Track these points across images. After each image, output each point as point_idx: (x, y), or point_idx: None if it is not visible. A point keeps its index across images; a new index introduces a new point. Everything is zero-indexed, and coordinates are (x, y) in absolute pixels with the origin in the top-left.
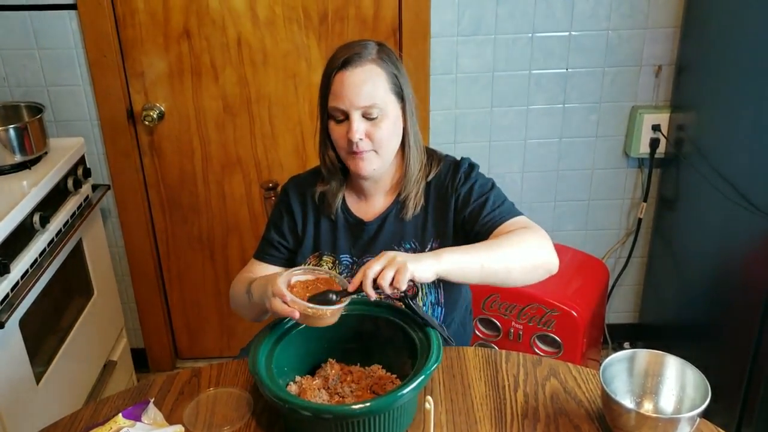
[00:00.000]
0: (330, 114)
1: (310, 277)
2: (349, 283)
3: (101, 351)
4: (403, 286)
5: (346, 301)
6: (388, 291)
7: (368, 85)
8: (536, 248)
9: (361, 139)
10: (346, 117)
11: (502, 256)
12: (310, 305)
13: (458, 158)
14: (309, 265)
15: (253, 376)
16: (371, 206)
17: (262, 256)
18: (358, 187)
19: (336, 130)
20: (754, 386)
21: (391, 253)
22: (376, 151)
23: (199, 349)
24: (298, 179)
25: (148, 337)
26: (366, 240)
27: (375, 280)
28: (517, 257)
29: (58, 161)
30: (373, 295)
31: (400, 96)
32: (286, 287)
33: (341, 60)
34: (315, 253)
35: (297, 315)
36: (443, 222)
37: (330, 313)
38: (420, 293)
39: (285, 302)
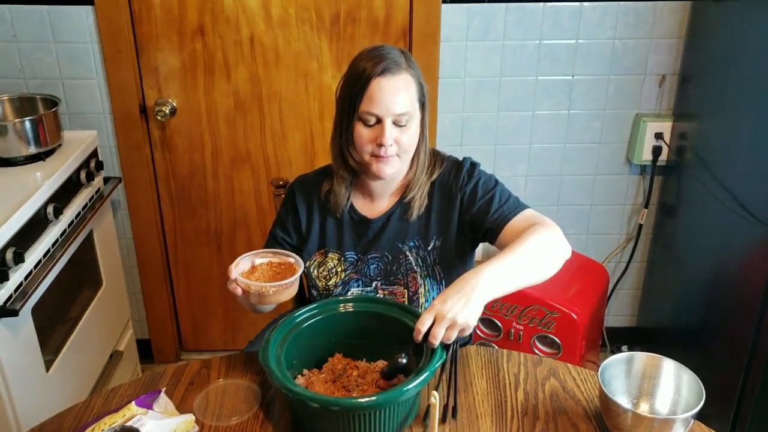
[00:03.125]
0: (360, 117)
1: (274, 259)
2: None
3: (108, 341)
4: (453, 338)
5: (290, 279)
6: (437, 344)
7: (404, 94)
8: (556, 243)
9: (391, 145)
10: (378, 122)
11: (533, 265)
12: (254, 283)
13: (460, 158)
14: (314, 261)
15: (264, 368)
16: (376, 205)
17: None
18: (366, 187)
19: (364, 133)
20: (748, 391)
21: (449, 315)
22: (399, 156)
23: (204, 342)
24: (304, 178)
25: (153, 329)
26: (370, 237)
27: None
28: (543, 260)
29: (71, 154)
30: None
31: (423, 104)
32: (250, 266)
33: (381, 67)
34: (321, 250)
35: (239, 292)
36: (446, 221)
37: (272, 291)
38: (423, 290)
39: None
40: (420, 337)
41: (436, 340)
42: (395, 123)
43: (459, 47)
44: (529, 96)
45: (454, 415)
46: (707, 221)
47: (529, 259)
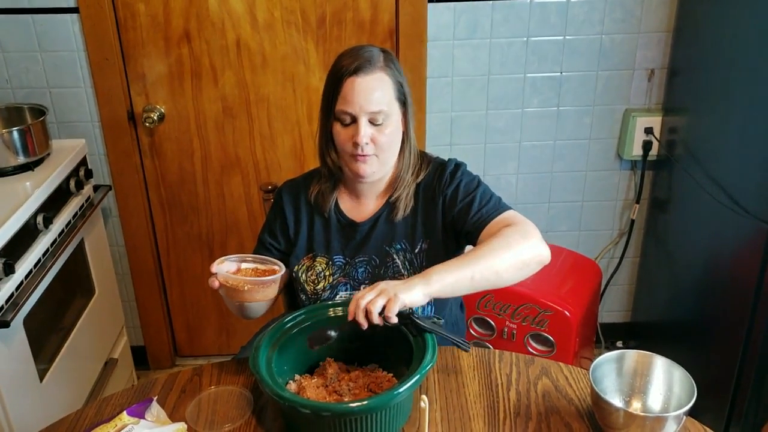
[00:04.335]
0: (336, 117)
1: (260, 266)
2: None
3: (102, 349)
4: (393, 317)
5: (267, 278)
6: (377, 320)
7: (378, 92)
8: (523, 246)
9: (366, 144)
10: (353, 121)
11: (490, 263)
12: (231, 276)
13: (446, 159)
14: (302, 266)
15: (254, 374)
16: (363, 208)
17: None
18: (352, 188)
19: (342, 133)
20: (743, 385)
21: (382, 284)
22: (377, 155)
23: (199, 347)
24: (292, 183)
25: (147, 335)
26: (358, 241)
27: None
28: (505, 260)
29: (60, 162)
30: (365, 324)
31: (403, 102)
32: (235, 270)
33: (354, 66)
34: (309, 255)
35: (216, 285)
36: (432, 223)
37: (248, 287)
38: None
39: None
40: (355, 312)
41: (375, 309)
42: (371, 122)
43: (446, 46)
44: (518, 93)
45: (467, 349)
46: (699, 215)
47: (486, 263)
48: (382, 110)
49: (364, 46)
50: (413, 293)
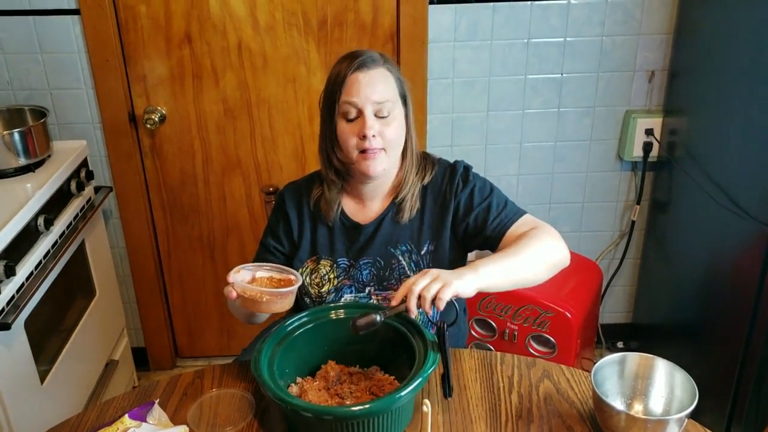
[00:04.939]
0: (341, 113)
1: (276, 275)
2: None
3: (103, 350)
4: (442, 304)
5: (286, 289)
6: (428, 307)
7: (381, 85)
8: (554, 248)
9: (374, 136)
10: (358, 115)
11: (530, 262)
12: (249, 287)
13: (452, 162)
14: (306, 268)
15: (256, 377)
16: (368, 210)
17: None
18: (357, 191)
19: (347, 129)
20: (744, 386)
21: (435, 270)
22: (385, 150)
23: (199, 349)
24: (294, 185)
25: (148, 337)
26: (362, 243)
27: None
28: (541, 260)
29: (61, 164)
30: (414, 311)
31: (404, 101)
32: (250, 279)
33: (356, 63)
34: (313, 257)
35: (233, 296)
36: (439, 226)
37: (266, 298)
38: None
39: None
40: (407, 297)
41: (429, 295)
42: (377, 115)
43: (447, 48)
44: (519, 95)
45: (447, 395)
46: (699, 217)
47: (525, 261)
48: (388, 100)
49: (360, 50)
50: (465, 282)
